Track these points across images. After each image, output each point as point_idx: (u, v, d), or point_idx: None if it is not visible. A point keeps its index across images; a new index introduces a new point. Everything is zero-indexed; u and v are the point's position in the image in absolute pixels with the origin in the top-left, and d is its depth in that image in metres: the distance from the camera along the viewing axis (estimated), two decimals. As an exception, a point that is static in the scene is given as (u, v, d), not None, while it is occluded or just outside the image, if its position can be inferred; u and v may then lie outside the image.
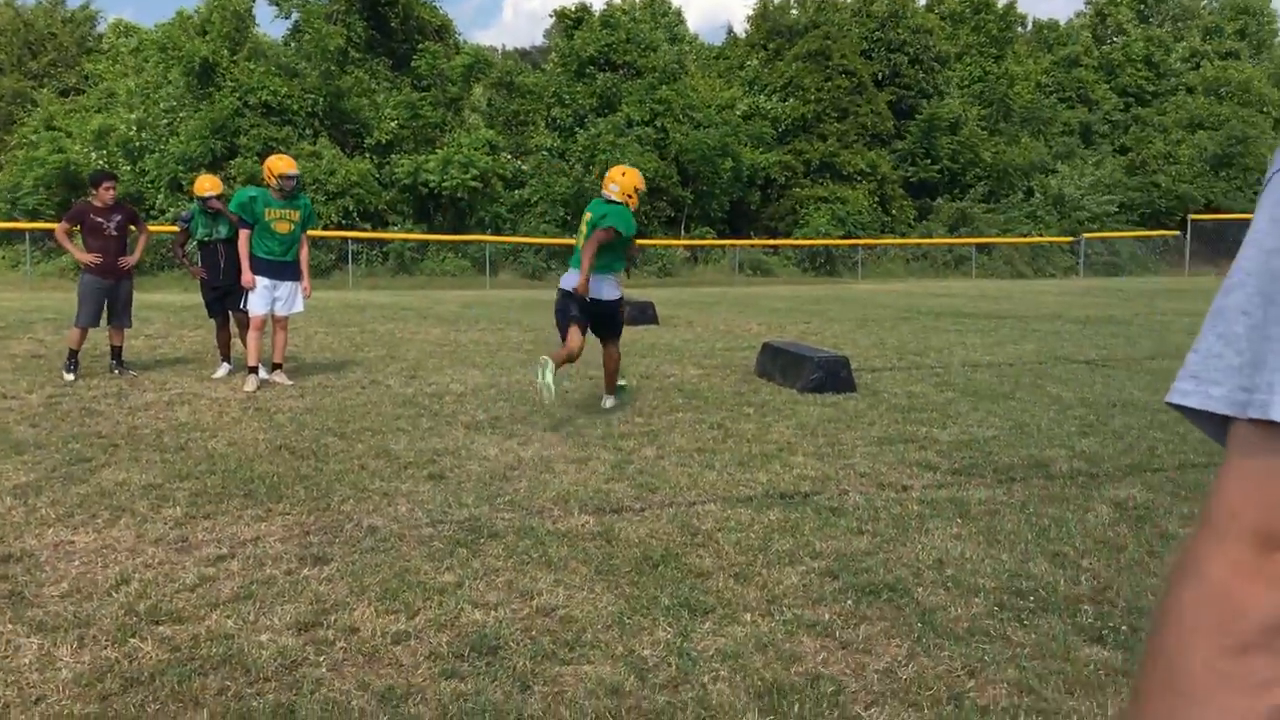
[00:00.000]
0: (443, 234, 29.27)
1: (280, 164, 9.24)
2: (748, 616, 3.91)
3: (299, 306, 9.38)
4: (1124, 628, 3.81)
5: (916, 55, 39.11)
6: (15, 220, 25.99)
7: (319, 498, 5.48)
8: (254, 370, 9.05)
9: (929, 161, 37.76)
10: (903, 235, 36.22)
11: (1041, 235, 37.31)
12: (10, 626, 3.70)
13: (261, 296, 9.07)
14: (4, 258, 26.40)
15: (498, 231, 30.28)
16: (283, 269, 9.17)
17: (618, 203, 7.84)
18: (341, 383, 9.42)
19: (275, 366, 9.36)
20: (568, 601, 4.05)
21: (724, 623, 3.85)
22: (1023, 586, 4.23)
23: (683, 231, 34.28)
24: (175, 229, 11.47)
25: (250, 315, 9.13)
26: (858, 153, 36.42)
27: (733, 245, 33.43)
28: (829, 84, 36.67)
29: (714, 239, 34.01)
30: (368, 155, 29.80)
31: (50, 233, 26.22)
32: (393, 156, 29.66)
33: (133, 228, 9.74)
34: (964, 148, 37.95)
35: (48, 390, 8.64)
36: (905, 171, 37.67)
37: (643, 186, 8.09)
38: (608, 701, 3.22)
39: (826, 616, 3.90)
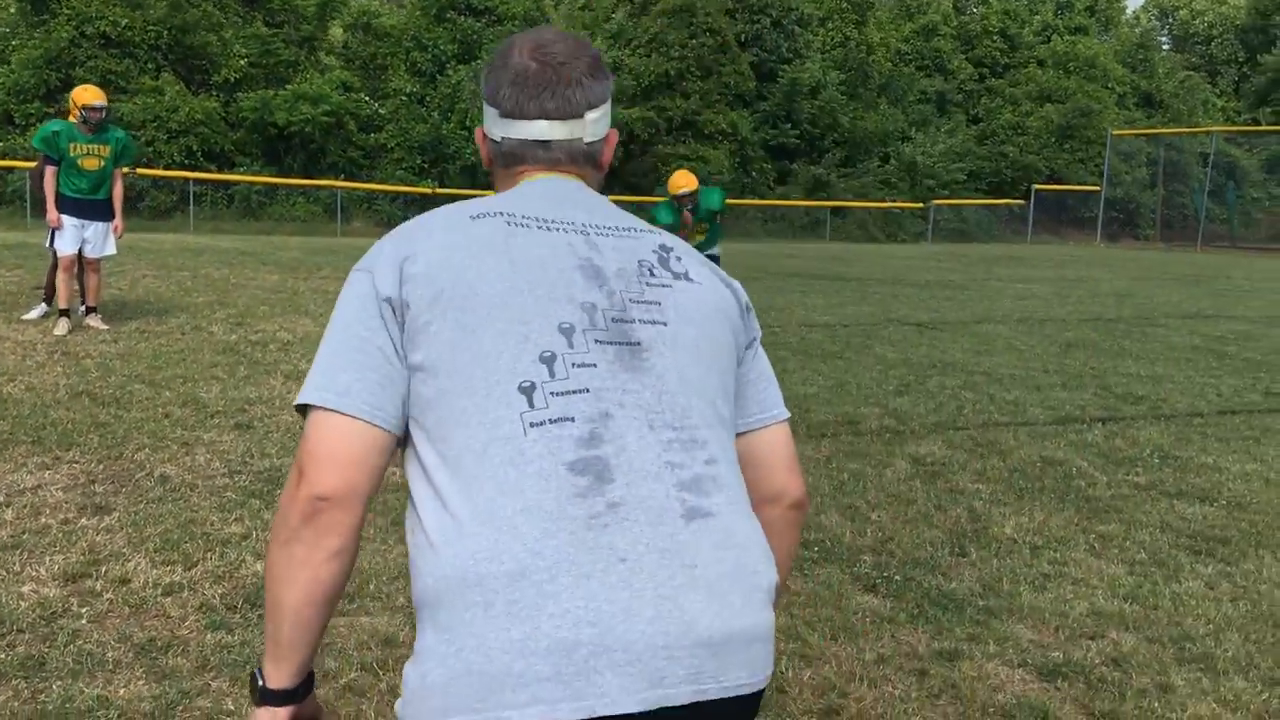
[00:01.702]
0: (292, 177, 28.35)
1: (85, 94, 8.68)
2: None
3: (110, 249, 8.93)
4: (898, 578, 3.96)
5: (779, 18, 39.47)
6: None
7: (113, 446, 5.27)
8: (64, 313, 8.62)
9: (789, 125, 38.27)
10: (762, 197, 36.71)
11: (894, 201, 38.32)
12: None
13: (70, 236, 8.59)
14: None
15: (351, 177, 29.49)
16: (92, 208, 8.68)
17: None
18: (161, 328, 9.05)
19: (88, 310, 8.93)
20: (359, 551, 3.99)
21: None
22: (810, 538, 4.36)
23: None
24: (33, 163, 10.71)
25: (58, 255, 8.67)
26: (720, 113, 36.63)
27: (593, 200, 33.30)
28: (693, 41, 36.71)
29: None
30: (214, 93, 28.57)
31: None
32: (239, 95, 28.52)
33: None
34: (823, 113, 38.56)
35: None
36: (766, 134, 38.10)
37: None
38: (378, 652, 3.19)
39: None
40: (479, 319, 1.27)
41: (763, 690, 1.27)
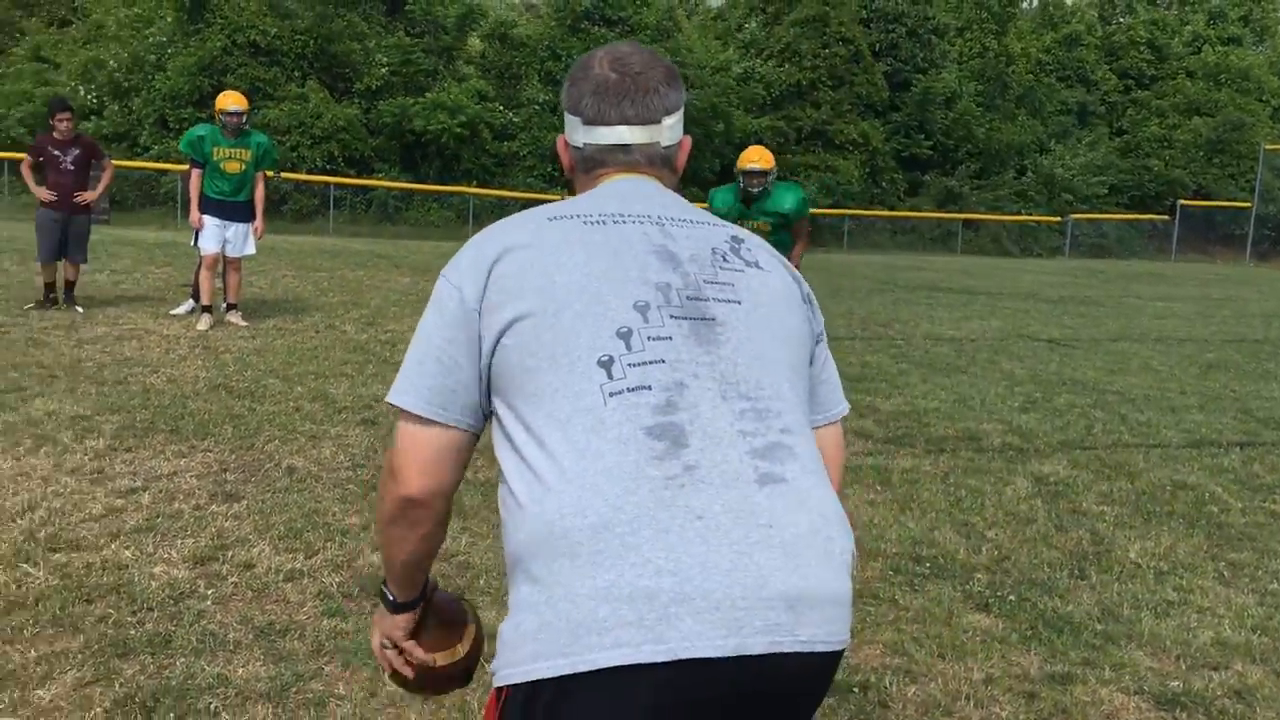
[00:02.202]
0: (428, 184, 29.10)
1: (225, 100, 9.06)
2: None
3: (250, 249, 9.32)
4: (1012, 598, 3.86)
5: (914, 27, 38.84)
6: (-3, 149, 25.76)
7: (245, 437, 5.49)
8: (207, 310, 9.03)
9: (922, 136, 37.61)
10: (892, 208, 36.15)
11: (1030, 215, 37.27)
12: (-95, 547, 3.72)
13: (212, 235, 9.01)
14: (-17, 187, 26.18)
15: (483, 184, 30.12)
16: (233, 209, 9.07)
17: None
18: (297, 326, 9.40)
19: (229, 307, 9.33)
20: (469, 549, 4.08)
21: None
22: (923, 553, 4.28)
23: (671, 193, 34.08)
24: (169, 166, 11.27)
25: (201, 253, 9.08)
26: (851, 122, 36.23)
27: (720, 209, 33.29)
28: (826, 51, 36.41)
29: (701, 203, 33.87)
30: (356, 100, 29.54)
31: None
32: (379, 103, 29.41)
33: (93, 162, 9.60)
34: (957, 124, 37.78)
35: (25, 316, 8.62)
36: (897, 144, 37.52)
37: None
38: (489, 646, 3.24)
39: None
40: (559, 303, 1.35)
41: (840, 655, 1.32)
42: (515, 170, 30.81)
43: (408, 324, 9.97)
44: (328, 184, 26.88)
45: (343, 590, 3.61)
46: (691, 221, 1.51)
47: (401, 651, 1.66)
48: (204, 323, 8.89)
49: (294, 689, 2.91)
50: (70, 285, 9.60)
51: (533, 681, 1.25)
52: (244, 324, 9.15)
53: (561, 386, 1.32)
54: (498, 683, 1.33)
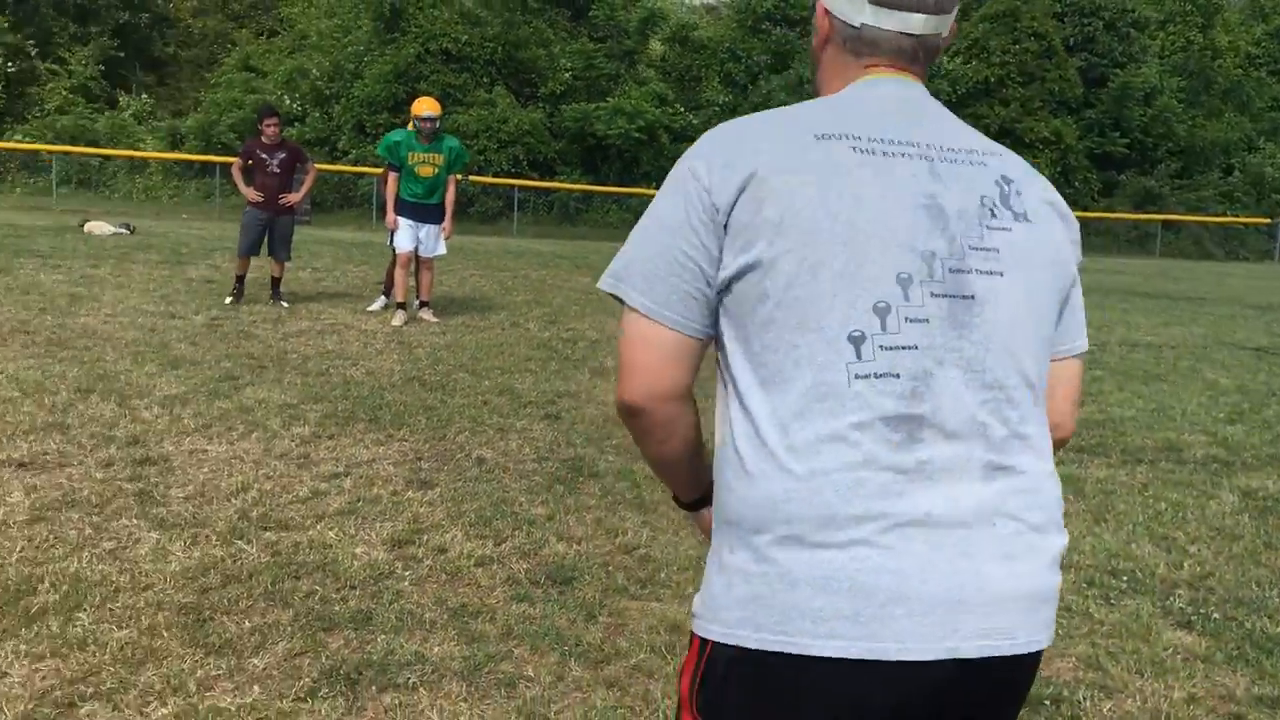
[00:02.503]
0: (608, 185, 29.58)
1: (420, 106, 9.43)
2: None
3: (441, 249, 9.69)
4: (1216, 616, 3.66)
5: (1113, 20, 37.13)
6: (209, 155, 27.51)
7: (438, 428, 5.72)
8: (401, 306, 9.43)
9: (1118, 134, 35.92)
10: (1085, 209, 34.67)
11: (1236, 216, 35.11)
12: (135, 521, 4.03)
13: (406, 234, 9.41)
14: (198, 189, 28.03)
15: (662, 185, 30.39)
16: (426, 211, 9.46)
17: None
18: (484, 323, 9.71)
19: (422, 304, 9.72)
20: (651, 542, 4.14)
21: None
22: (1119, 566, 4.10)
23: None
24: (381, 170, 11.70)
25: (396, 252, 9.50)
26: (1042, 120, 34.92)
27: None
28: (1016, 46, 35.20)
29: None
30: (540, 105, 30.30)
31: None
32: (563, 107, 30.05)
33: (298, 165, 10.13)
34: (1157, 120, 35.92)
35: (213, 312, 9.21)
36: (1091, 143, 35.94)
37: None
38: (666, 637, 3.30)
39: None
40: (820, 256, 1.24)
41: (1042, 654, 1.29)
42: (694, 172, 30.92)
43: (588, 322, 10.17)
44: (512, 186, 27.64)
45: (530, 577, 3.72)
46: (960, 156, 1.35)
47: None
48: (398, 318, 9.30)
49: (486, 669, 3.02)
50: (276, 282, 10.18)
51: (738, 645, 1.24)
52: (435, 320, 9.52)
53: (806, 356, 1.24)
54: (701, 633, 1.30)
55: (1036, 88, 35.19)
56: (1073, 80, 35.89)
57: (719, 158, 1.30)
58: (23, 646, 2.97)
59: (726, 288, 1.29)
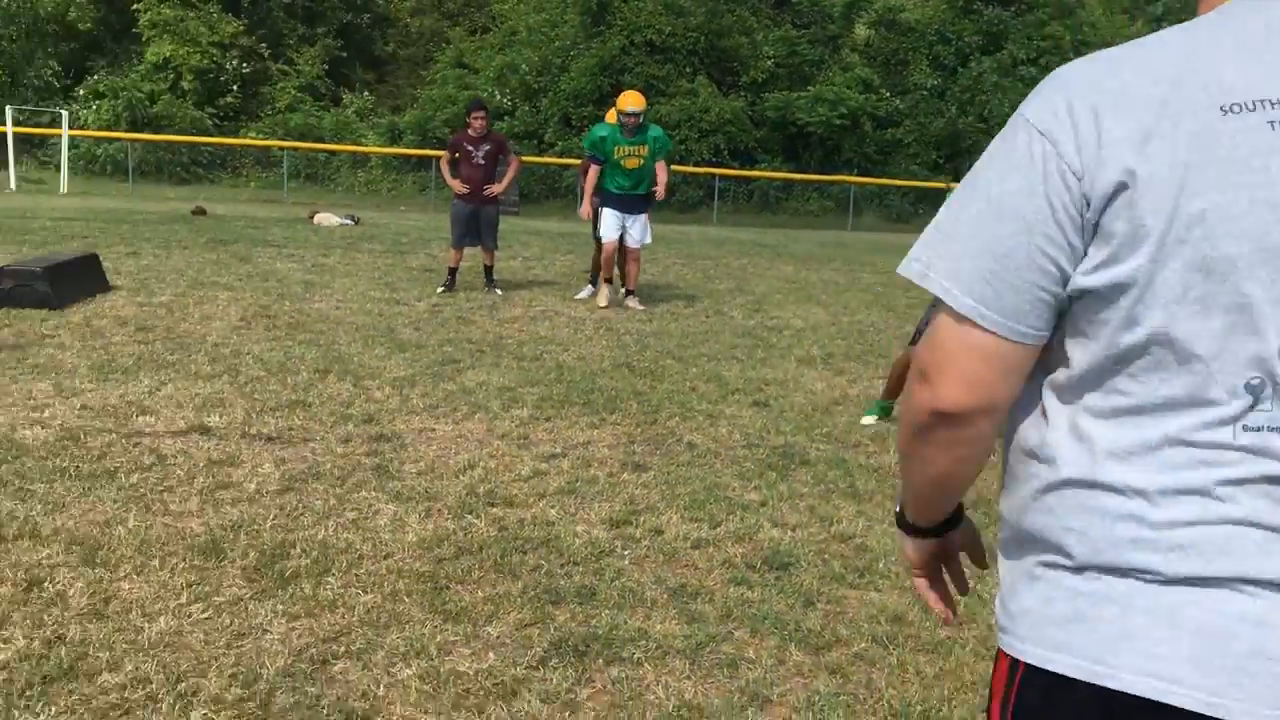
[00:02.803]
0: (809, 173, 29.30)
1: (624, 100, 9.56)
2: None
3: (646, 238, 9.84)
4: None
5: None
6: (426, 149, 28.76)
7: (648, 413, 5.82)
8: (608, 280, 9.71)
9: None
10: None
11: None
12: (374, 494, 4.28)
13: (611, 224, 9.61)
14: (414, 183, 29.32)
15: (864, 172, 29.88)
16: (632, 202, 9.61)
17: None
18: (688, 311, 9.81)
19: (627, 292, 9.89)
20: (866, 532, 4.11)
21: (1023, 571, 3.76)
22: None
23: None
24: (580, 161, 11.99)
25: (602, 240, 9.71)
26: None
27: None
28: (1252, 20, 32.86)
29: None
30: (742, 93, 30.25)
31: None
32: (765, 94, 29.93)
33: (501, 157, 10.42)
34: None
35: (433, 299, 9.65)
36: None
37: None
38: (887, 627, 3.27)
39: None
40: (1225, 272, 1.00)
41: None
42: (899, 158, 30.31)
43: (792, 311, 10.13)
44: (712, 175, 27.74)
45: (746, 561, 3.75)
46: None
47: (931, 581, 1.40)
48: (602, 297, 9.56)
49: (707, 649, 3.08)
50: (488, 270, 10.56)
51: (1052, 671, 1.09)
52: (641, 308, 9.68)
53: (1184, 396, 1.04)
54: (1010, 652, 1.14)
55: (1275, 63, 32.78)
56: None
57: (1092, 128, 1.03)
58: (280, 606, 3.21)
59: (1079, 295, 1.06)
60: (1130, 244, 1.01)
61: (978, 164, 1.12)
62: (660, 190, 9.72)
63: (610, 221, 9.64)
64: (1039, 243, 1.04)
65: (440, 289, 10.21)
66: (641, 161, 9.56)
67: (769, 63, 30.49)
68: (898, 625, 3.29)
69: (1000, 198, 1.07)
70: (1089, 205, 1.02)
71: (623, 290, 9.99)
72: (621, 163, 9.53)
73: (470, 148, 10.19)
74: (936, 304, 1.13)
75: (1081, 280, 1.05)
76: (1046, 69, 27.15)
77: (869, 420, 5.78)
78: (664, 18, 29.81)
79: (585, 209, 9.78)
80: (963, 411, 1.10)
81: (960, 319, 1.08)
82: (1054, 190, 1.03)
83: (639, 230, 9.76)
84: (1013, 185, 1.06)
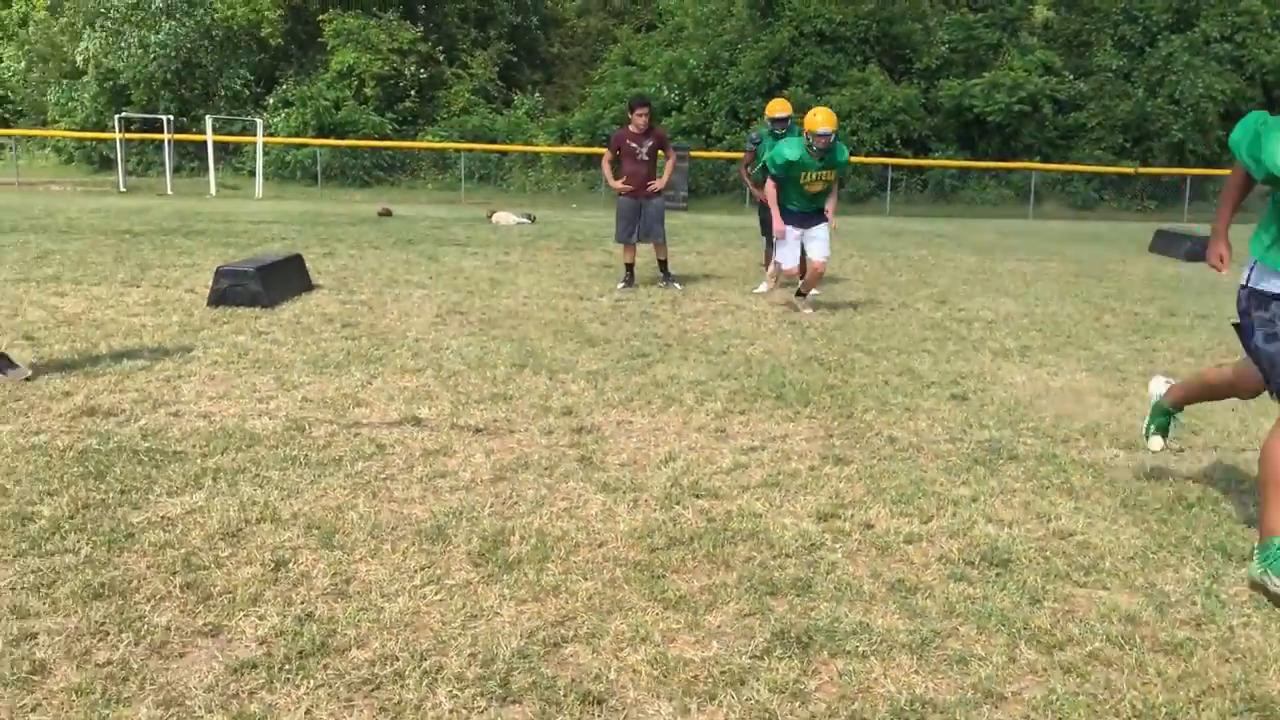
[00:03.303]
0: (986, 161, 28.41)
1: (815, 120, 8.58)
2: (1293, 571, 3.58)
3: (828, 251, 9.10)
4: None
5: None
6: (595, 147, 29.17)
7: (843, 406, 5.76)
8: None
9: None
10: None
11: None
12: (582, 484, 4.36)
13: (791, 250, 9.02)
14: (584, 180, 29.78)
15: (1046, 159, 28.79)
16: (809, 217, 9.00)
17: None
18: (870, 303, 9.65)
19: (798, 294, 9.68)
20: (1087, 529, 3.96)
21: (1263, 573, 3.56)
22: None
23: (1265, 161, 30.27)
24: (742, 154, 11.98)
25: (781, 268, 9.35)
26: None
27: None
28: None
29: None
30: (915, 81, 29.57)
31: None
32: (940, 81, 29.17)
33: (661, 153, 10.42)
34: None
35: (615, 295, 9.77)
36: None
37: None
38: (1121, 626, 3.15)
39: (1394, 584, 3.46)
40: None
41: None
42: (1082, 143, 29.11)
43: (980, 303, 9.85)
44: (885, 165, 27.23)
45: (964, 557, 3.66)
46: None
47: None
48: (763, 287, 9.69)
49: (933, 644, 3.02)
50: (663, 264, 10.62)
51: None
52: (811, 312, 9.17)
53: None
54: None
55: None
56: None
57: None
58: (506, 590, 3.31)
59: None
60: None
61: None
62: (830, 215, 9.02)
63: (790, 248, 9.02)
64: None
65: (620, 285, 10.32)
66: (827, 185, 8.91)
67: (944, 48, 29.71)
68: (1132, 625, 3.16)
69: None
70: None
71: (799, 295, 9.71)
72: (806, 187, 8.84)
73: (633, 144, 10.23)
74: None
75: None
76: (1242, 46, 25.77)
77: (1155, 445, 4.64)
78: (834, 6, 29.39)
79: (779, 226, 8.98)
80: None
81: None
82: None
83: (820, 244, 8.98)
84: None
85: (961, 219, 24.23)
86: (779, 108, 10.24)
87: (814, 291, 9.50)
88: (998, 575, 3.51)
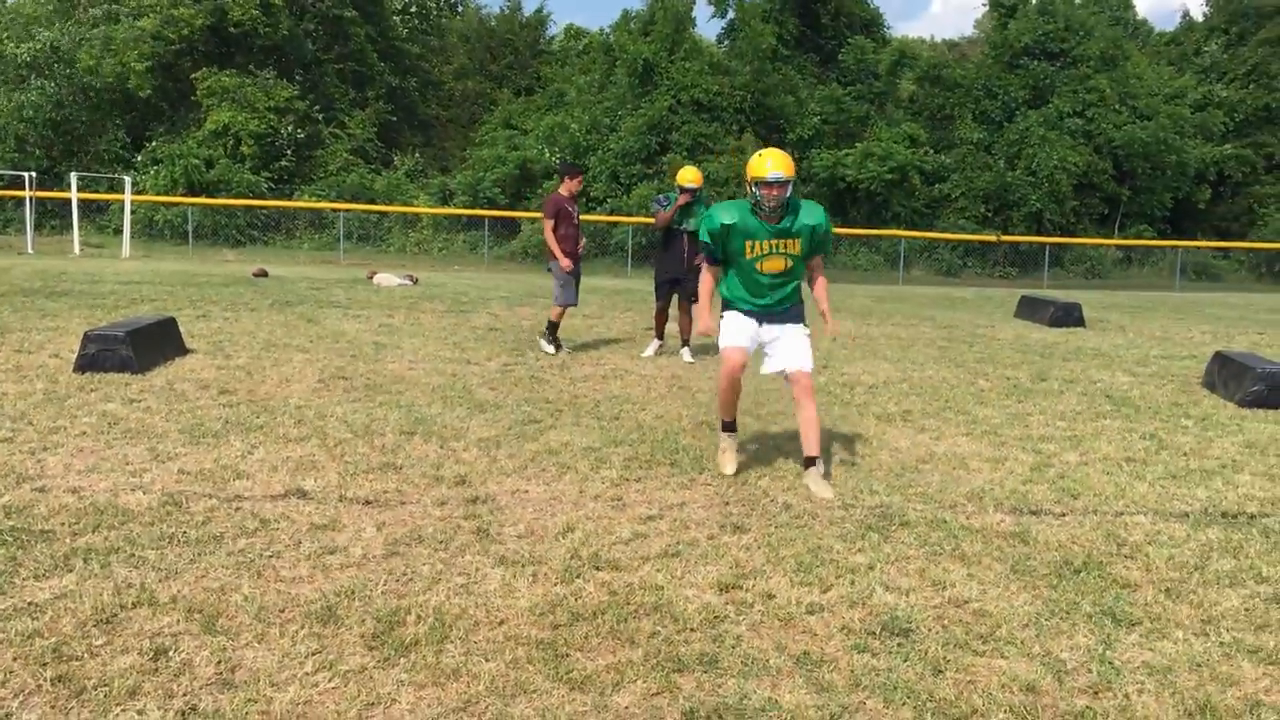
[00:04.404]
0: (857, 229, 29.29)
1: (760, 164, 5.43)
2: (1179, 634, 3.69)
3: (808, 359, 8.85)
4: None
5: None
6: (477, 209, 29.08)
7: (737, 472, 5.77)
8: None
9: None
10: (1389, 241, 31.57)
11: None
12: (479, 558, 4.25)
13: (737, 329, 6.05)
14: (465, 241, 29.65)
15: (913, 226, 29.84)
16: (769, 316, 8.59)
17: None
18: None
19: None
20: (981, 596, 4.02)
21: (1152, 637, 3.66)
22: None
23: (1115, 230, 32.00)
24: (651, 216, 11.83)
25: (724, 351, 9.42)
26: (1334, 146, 32.19)
27: (1175, 246, 30.71)
28: (1302, 69, 32.66)
29: (1153, 239, 31.45)
30: (789, 150, 30.42)
31: (506, 220, 29.11)
32: (812, 151, 30.06)
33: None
34: None
35: (503, 358, 9.68)
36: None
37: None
38: (1022, 697, 3.18)
39: (1271, 644, 3.60)
40: None
41: None
42: (946, 212, 30.27)
43: (859, 367, 10.05)
44: (762, 231, 27.80)
45: (865, 627, 3.67)
46: None
47: None
48: (650, 350, 9.87)
49: (841, 719, 3.00)
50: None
51: None
52: (692, 360, 9.76)
53: None
54: None
55: (1327, 111, 32.52)
56: (1371, 101, 32.96)
57: None
58: (404, 675, 3.18)
59: None
60: None
61: None
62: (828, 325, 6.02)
63: (736, 327, 5.95)
64: None
65: (551, 349, 10.20)
66: (790, 265, 5.70)
67: (815, 119, 30.67)
68: (1033, 695, 3.20)
69: None
70: None
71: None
72: (758, 266, 5.69)
73: (569, 209, 10.17)
74: None
75: None
76: (1092, 121, 27.22)
77: None
78: (710, 77, 30.14)
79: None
80: None
81: None
82: None
83: (798, 350, 5.90)
84: None
85: (836, 284, 24.82)
86: (689, 177, 9.82)
87: (691, 360, 9.61)
88: (899, 645, 3.53)
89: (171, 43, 31.84)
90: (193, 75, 31.86)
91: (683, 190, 9.88)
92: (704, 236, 5.75)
